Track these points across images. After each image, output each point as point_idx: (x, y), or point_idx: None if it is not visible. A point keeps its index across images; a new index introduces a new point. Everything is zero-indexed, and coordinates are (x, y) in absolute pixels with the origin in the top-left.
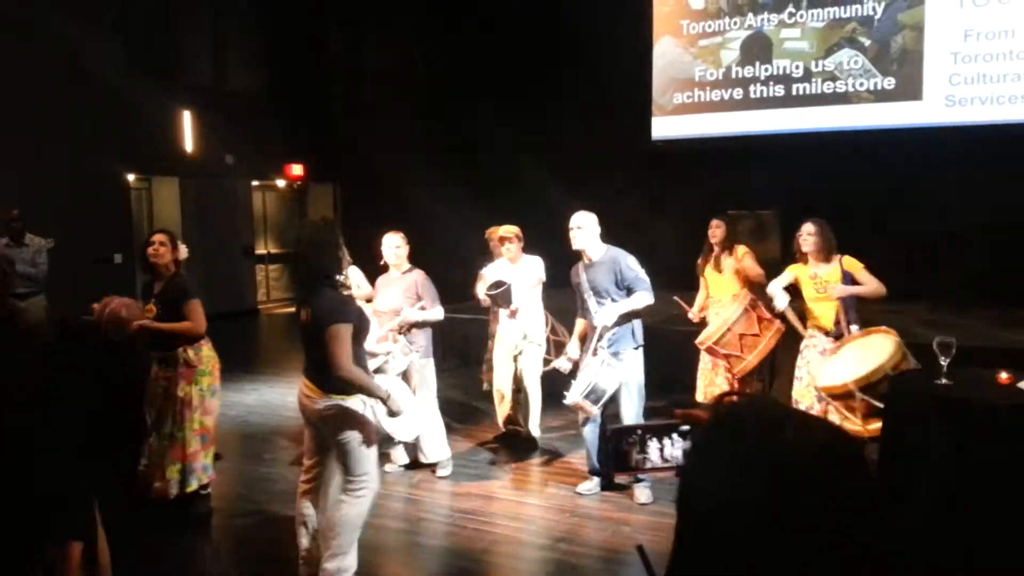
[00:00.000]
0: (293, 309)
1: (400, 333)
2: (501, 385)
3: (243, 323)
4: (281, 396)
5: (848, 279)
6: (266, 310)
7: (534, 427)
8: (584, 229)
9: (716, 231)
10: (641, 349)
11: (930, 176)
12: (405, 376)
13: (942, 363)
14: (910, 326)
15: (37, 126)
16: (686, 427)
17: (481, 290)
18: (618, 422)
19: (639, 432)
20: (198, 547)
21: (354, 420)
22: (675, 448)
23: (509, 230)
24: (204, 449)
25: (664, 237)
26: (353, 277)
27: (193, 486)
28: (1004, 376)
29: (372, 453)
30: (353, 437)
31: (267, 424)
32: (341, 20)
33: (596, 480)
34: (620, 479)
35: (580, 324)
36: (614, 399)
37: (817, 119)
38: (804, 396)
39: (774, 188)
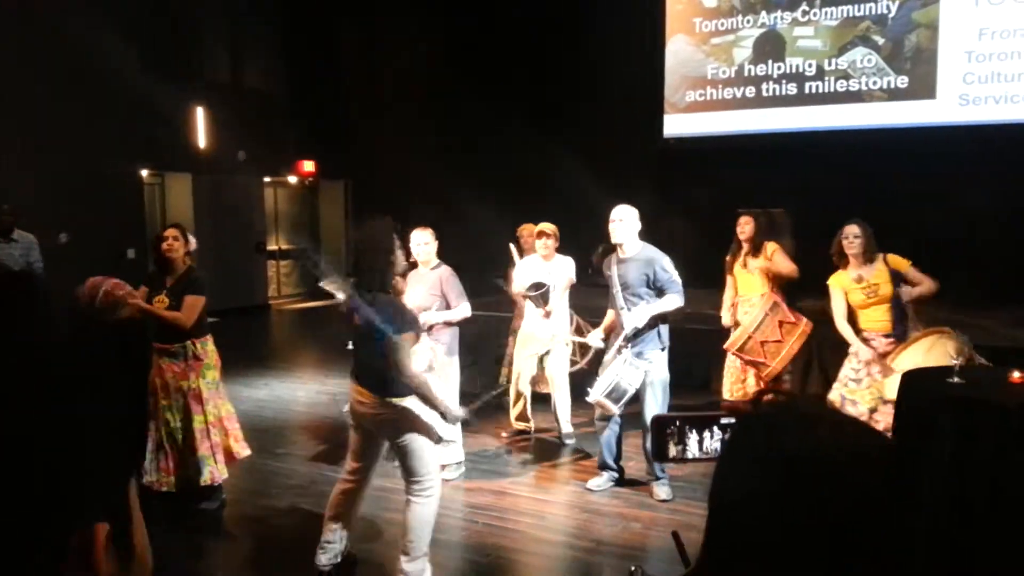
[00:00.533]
0: (341, 308)
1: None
2: (522, 385)
3: (254, 318)
4: (291, 391)
5: (896, 278)
6: (277, 305)
7: (565, 424)
8: (625, 222)
9: (744, 227)
10: (666, 350)
11: (944, 175)
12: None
13: (954, 362)
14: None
15: (51, 122)
16: (727, 420)
17: (518, 286)
18: (640, 421)
19: (678, 423)
20: (210, 542)
21: (412, 421)
22: (714, 441)
23: (548, 227)
24: (222, 443)
25: (676, 234)
26: None
27: (207, 480)
28: (1017, 375)
29: (433, 452)
30: (413, 438)
31: (278, 418)
32: (355, 19)
33: (606, 476)
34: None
35: (610, 315)
36: (638, 398)
37: (830, 118)
38: (863, 398)
39: (787, 186)
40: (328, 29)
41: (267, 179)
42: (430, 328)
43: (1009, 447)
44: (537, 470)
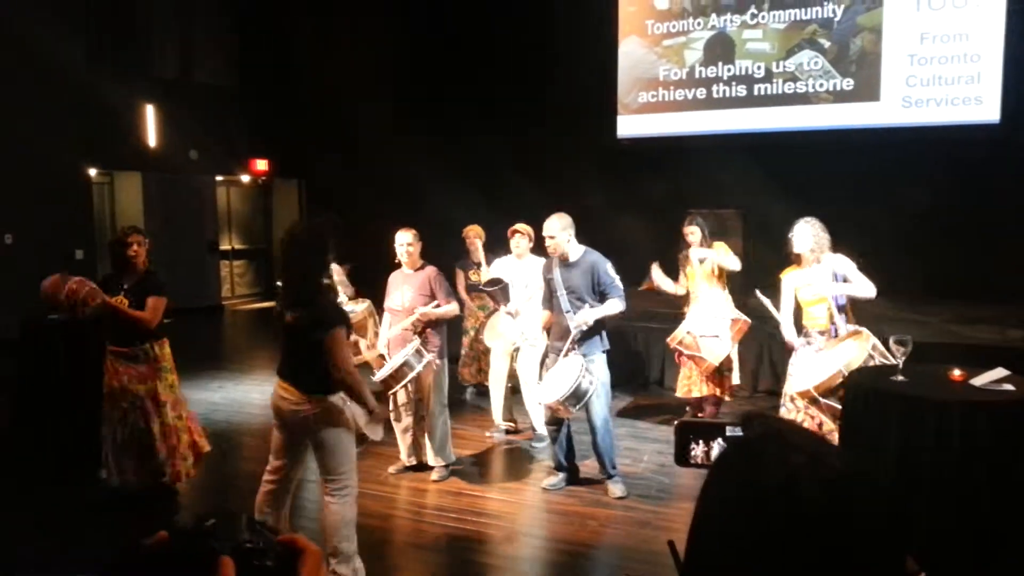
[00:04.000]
0: (274, 308)
1: (415, 334)
2: (497, 384)
3: (208, 319)
4: (246, 393)
5: (839, 278)
6: (231, 306)
7: (540, 426)
8: (557, 238)
9: (689, 237)
10: (606, 354)
11: (887, 175)
12: (419, 378)
13: (898, 360)
14: (867, 324)
15: None
16: (731, 432)
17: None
18: (589, 423)
19: (701, 429)
20: None
21: (335, 418)
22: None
23: (522, 226)
24: (179, 444)
25: (630, 235)
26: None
27: (169, 480)
28: (957, 373)
29: (352, 451)
30: (333, 434)
31: (232, 421)
32: (311, 14)
33: (561, 475)
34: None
35: (545, 315)
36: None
37: (778, 119)
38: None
39: (736, 187)
40: (283, 25)
41: (219, 178)
42: (423, 329)
43: (950, 443)
44: (493, 471)
